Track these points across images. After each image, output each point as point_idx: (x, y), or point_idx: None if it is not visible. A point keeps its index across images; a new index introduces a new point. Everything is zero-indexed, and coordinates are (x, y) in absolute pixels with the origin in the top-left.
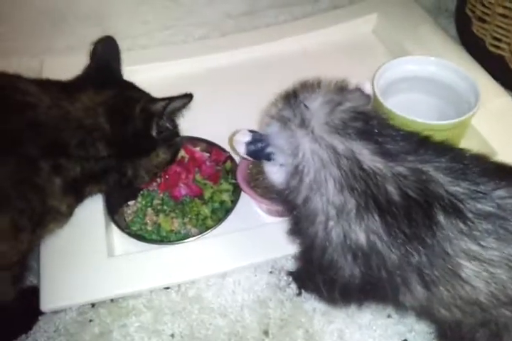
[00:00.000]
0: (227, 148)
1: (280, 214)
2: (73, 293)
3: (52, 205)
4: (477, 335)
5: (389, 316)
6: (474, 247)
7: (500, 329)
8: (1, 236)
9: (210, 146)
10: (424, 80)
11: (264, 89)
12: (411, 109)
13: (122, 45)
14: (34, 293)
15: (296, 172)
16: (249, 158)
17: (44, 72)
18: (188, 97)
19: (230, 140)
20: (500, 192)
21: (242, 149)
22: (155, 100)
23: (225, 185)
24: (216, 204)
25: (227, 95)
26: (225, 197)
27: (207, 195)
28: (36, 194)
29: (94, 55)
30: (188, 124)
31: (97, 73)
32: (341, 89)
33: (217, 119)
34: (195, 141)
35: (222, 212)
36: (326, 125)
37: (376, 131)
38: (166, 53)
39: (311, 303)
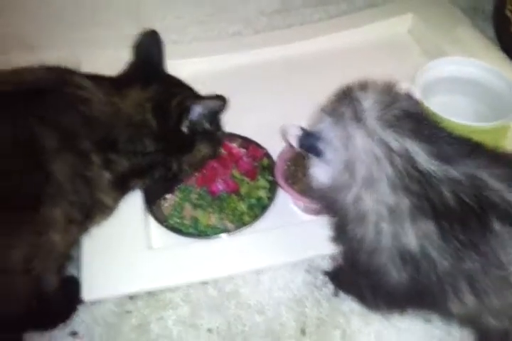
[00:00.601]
0: (263, 144)
1: (317, 213)
2: (113, 284)
3: (100, 198)
4: None
5: (428, 321)
6: None
7: None
8: (53, 227)
9: (247, 142)
10: (463, 82)
11: (296, 88)
12: (449, 110)
13: None
14: (73, 282)
15: (347, 167)
16: (302, 150)
17: (83, 64)
18: (220, 99)
19: (282, 131)
20: None
21: (294, 142)
22: (189, 97)
23: (261, 182)
24: (253, 201)
25: (260, 92)
26: (262, 193)
27: (243, 190)
28: (87, 187)
29: (137, 49)
30: (225, 120)
31: (141, 68)
32: (392, 90)
33: (252, 116)
34: (231, 136)
35: (258, 209)
36: (379, 120)
37: (429, 132)
38: (198, 49)
39: (348, 304)
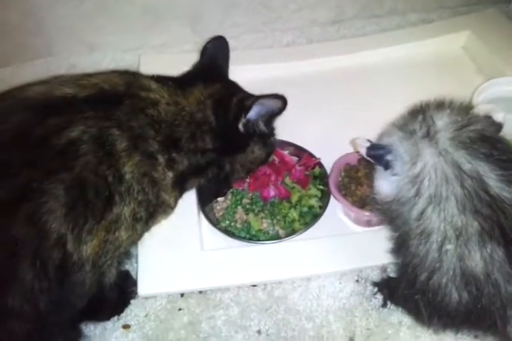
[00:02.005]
0: (316, 153)
1: (368, 225)
2: (166, 281)
3: (164, 198)
4: None
5: (476, 337)
6: None
7: None
8: (122, 224)
9: (299, 151)
10: None
11: (349, 99)
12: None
13: None
14: (127, 277)
15: (414, 182)
16: (369, 159)
17: (141, 67)
18: (280, 99)
19: (353, 143)
20: None
21: (363, 151)
22: (250, 96)
23: (313, 191)
24: (304, 209)
25: (311, 102)
26: (313, 202)
27: (294, 198)
28: (153, 187)
29: (204, 52)
30: (279, 128)
31: (205, 69)
32: (467, 111)
33: (305, 125)
34: (284, 144)
35: (309, 217)
36: (452, 140)
37: (503, 157)
38: (253, 56)
39: (397, 316)
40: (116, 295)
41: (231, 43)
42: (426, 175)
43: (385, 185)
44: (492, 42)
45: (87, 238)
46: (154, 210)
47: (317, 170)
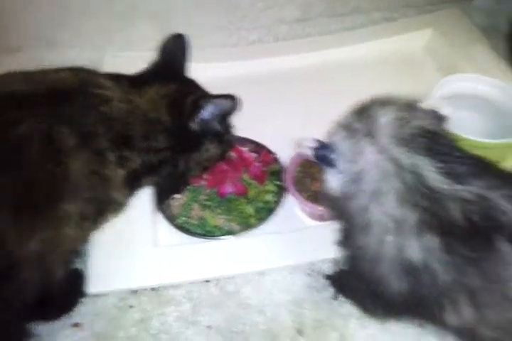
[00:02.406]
0: (274, 149)
1: (322, 219)
2: (117, 278)
3: (114, 196)
4: None
5: (421, 326)
6: None
7: None
8: (68, 222)
9: (258, 147)
10: (475, 98)
11: (312, 96)
12: (460, 125)
13: None
14: (78, 276)
15: (356, 179)
16: (315, 160)
17: (105, 64)
18: (231, 99)
19: (297, 143)
20: None
21: (309, 153)
22: (204, 96)
23: (270, 186)
24: (260, 204)
25: (275, 100)
26: (269, 197)
27: (251, 194)
28: (102, 185)
29: (162, 50)
30: (239, 125)
31: (163, 68)
32: (411, 107)
33: (265, 121)
34: (243, 141)
35: (265, 212)
36: (393, 138)
37: (443, 150)
38: (218, 54)
39: (347, 307)
40: (67, 293)
41: (196, 42)
42: (367, 172)
43: (332, 181)
44: (453, 40)
45: (31, 234)
46: (103, 208)
47: (275, 166)
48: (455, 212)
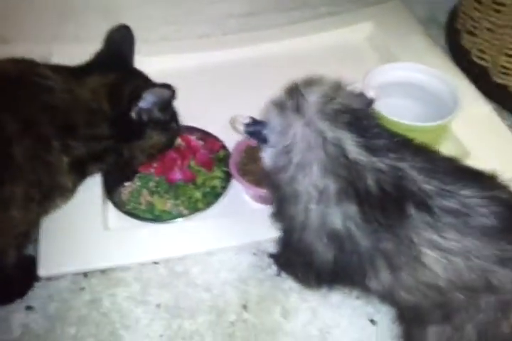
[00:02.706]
0: (222, 137)
1: (265, 202)
2: (68, 261)
3: (60, 181)
4: (432, 316)
5: (358, 298)
6: (437, 238)
7: (452, 310)
8: (13, 204)
9: (206, 136)
10: (410, 86)
11: (259, 87)
12: (397, 111)
13: None
14: (31, 261)
15: (285, 152)
16: (247, 136)
17: (53, 58)
18: (168, 88)
19: (232, 120)
20: (466, 192)
21: (241, 128)
22: (142, 85)
23: (217, 172)
24: (207, 189)
25: (225, 90)
26: (216, 183)
27: (199, 180)
28: (46, 169)
29: (107, 41)
30: (186, 114)
31: (106, 58)
32: (338, 87)
33: (214, 112)
34: (191, 130)
35: (212, 197)
36: (318, 113)
37: (363, 126)
38: (167, 47)
39: (289, 283)
40: (20, 278)
41: (146, 35)
42: (294, 144)
43: (265, 156)
44: (392, 32)
45: None
46: (49, 192)
47: (222, 153)
48: (371, 181)
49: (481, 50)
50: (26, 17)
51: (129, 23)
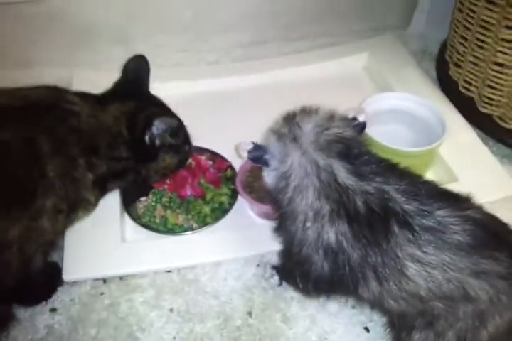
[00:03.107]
0: (229, 158)
1: (269, 217)
2: (89, 268)
3: (84, 195)
4: (416, 323)
5: (353, 307)
6: (418, 252)
7: (434, 318)
8: (44, 215)
9: (214, 156)
10: (401, 113)
11: (264, 111)
12: (390, 137)
13: None
14: (55, 267)
15: (284, 176)
16: (251, 161)
17: (73, 82)
18: (174, 117)
19: (236, 147)
20: (441, 212)
21: (245, 154)
22: (155, 113)
23: (224, 190)
24: (216, 205)
25: (232, 114)
26: (224, 199)
27: (208, 196)
28: (74, 185)
29: (125, 70)
30: (196, 136)
31: (125, 87)
32: (332, 116)
33: (222, 134)
34: (201, 150)
35: (220, 212)
36: (312, 143)
37: (354, 154)
38: (180, 73)
39: (290, 292)
40: (44, 282)
41: (159, 61)
42: (292, 171)
43: (267, 177)
44: (386, 63)
45: (12, 223)
46: (75, 205)
47: (229, 172)
48: (359, 203)
49: (467, 81)
50: (49, 42)
51: (143, 49)
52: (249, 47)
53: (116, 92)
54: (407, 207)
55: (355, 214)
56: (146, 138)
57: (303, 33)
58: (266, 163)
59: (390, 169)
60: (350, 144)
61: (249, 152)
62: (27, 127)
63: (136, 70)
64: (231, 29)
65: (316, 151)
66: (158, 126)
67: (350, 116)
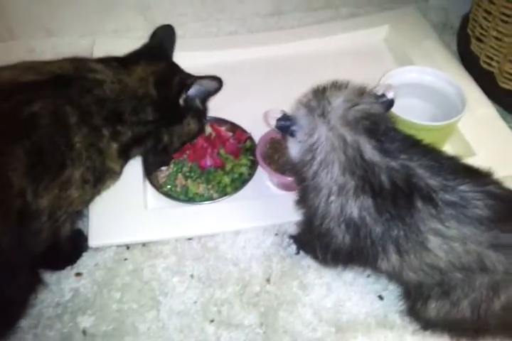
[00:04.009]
0: (248, 129)
1: (288, 189)
2: (114, 235)
3: (110, 165)
4: (432, 292)
5: (368, 276)
6: (440, 226)
7: (450, 288)
8: (73, 185)
9: (234, 127)
10: (422, 87)
11: (282, 83)
12: (409, 111)
13: None
14: (80, 234)
15: (310, 150)
16: (277, 130)
17: (95, 51)
18: (216, 80)
19: (265, 115)
20: (463, 187)
21: (273, 122)
22: (189, 75)
23: (244, 160)
24: (235, 175)
25: (249, 85)
26: (243, 170)
27: (228, 167)
28: (99, 155)
29: (152, 36)
30: (217, 107)
31: (152, 49)
32: (361, 92)
33: (241, 105)
34: (221, 121)
35: (239, 182)
36: (341, 119)
37: (380, 131)
38: (198, 44)
39: (307, 261)
40: (70, 248)
41: (178, 31)
42: (319, 144)
43: (292, 149)
44: (406, 35)
45: (43, 192)
46: (101, 175)
47: (248, 143)
48: (384, 178)
49: (488, 56)
50: (69, 12)
51: (162, 19)
52: (267, 17)
53: (142, 53)
54: (431, 182)
55: (379, 190)
56: (181, 99)
57: (323, 3)
58: (292, 134)
59: (414, 145)
60: (378, 121)
61: (278, 120)
62: (54, 99)
63: (164, 37)
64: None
65: (344, 127)
66: (195, 88)
67: (380, 92)
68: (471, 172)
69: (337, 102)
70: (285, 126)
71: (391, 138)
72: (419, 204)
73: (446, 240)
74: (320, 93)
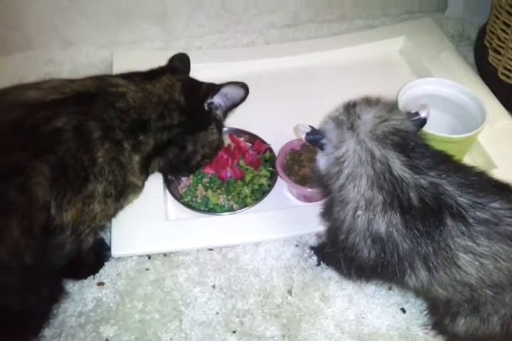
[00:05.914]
0: (267, 140)
1: (308, 200)
2: (136, 245)
3: (131, 179)
4: (461, 309)
5: (390, 288)
6: (471, 244)
7: (480, 304)
8: (96, 199)
9: (253, 138)
10: (440, 99)
11: (300, 95)
12: (429, 123)
13: (179, 43)
14: (102, 244)
15: (338, 162)
16: (308, 143)
17: (114, 64)
18: (243, 87)
19: (295, 129)
20: (495, 204)
21: (303, 136)
22: (215, 84)
23: (263, 171)
24: (255, 187)
25: (266, 97)
26: (263, 181)
27: (247, 178)
28: (120, 169)
29: (170, 60)
30: (236, 118)
31: (172, 68)
32: (392, 109)
33: (259, 116)
34: (240, 132)
35: (259, 194)
36: (370, 133)
37: (410, 147)
38: (216, 55)
39: (328, 272)
40: (93, 258)
41: (195, 43)
42: (347, 158)
43: (320, 161)
44: (423, 47)
45: (67, 207)
46: (123, 189)
47: (267, 154)
48: (413, 195)
49: (506, 68)
50: (87, 22)
51: (180, 30)
52: (283, 29)
53: (164, 69)
54: (461, 200)
55: (408, 206)
56: (206, 104)
57: (338, 14)
58: (322, 147)
59: (443, 162)
60: (407, 137)
61: (308, 134)
62: (77, 115)
63: (179, 61)
64: (266, 10)
65: (372, 141)
66: (221, 94)
67: (414, 111)
68: (501, 189)
69: (367, 117)
70: (315, 139)
71: (421, 155)
72: (448, 221)
73: (476, 257)
74: (350, 108)
